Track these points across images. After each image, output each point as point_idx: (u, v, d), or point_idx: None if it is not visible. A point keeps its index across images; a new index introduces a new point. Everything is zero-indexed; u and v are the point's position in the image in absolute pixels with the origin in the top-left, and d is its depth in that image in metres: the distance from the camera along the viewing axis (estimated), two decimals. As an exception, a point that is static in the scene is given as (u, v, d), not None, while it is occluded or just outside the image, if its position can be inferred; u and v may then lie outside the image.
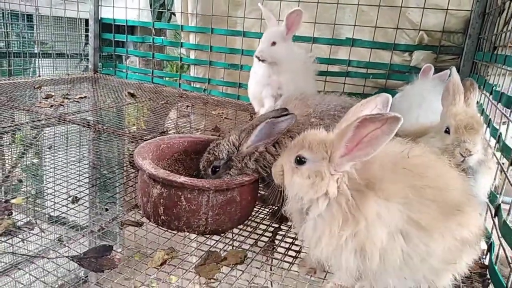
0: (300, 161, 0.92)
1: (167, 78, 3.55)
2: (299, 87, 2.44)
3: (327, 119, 1.31)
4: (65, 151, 2.03)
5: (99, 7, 3.52)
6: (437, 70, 2.27)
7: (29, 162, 2.01)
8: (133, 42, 4.16)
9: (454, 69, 1.32)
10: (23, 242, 1.12)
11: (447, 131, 1.22)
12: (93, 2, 3.46)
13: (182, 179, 1.16)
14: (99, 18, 3.53)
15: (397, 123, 0.78)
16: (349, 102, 1.41)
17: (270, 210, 1.43)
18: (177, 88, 3.42)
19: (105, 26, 3.56)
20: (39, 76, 3.28)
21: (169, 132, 2.22)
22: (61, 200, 1.40)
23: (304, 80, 2.51)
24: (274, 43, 2.28)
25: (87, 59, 3.66)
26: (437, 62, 2.58)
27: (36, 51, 3.60)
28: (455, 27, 2.53)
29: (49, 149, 1.94)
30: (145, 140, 2.04)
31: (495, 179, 1.26)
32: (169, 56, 3.88)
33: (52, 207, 1.37)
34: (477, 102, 1.99)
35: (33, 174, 1.84)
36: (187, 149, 1.50)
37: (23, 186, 1.69)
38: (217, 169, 1.29)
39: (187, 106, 2.87)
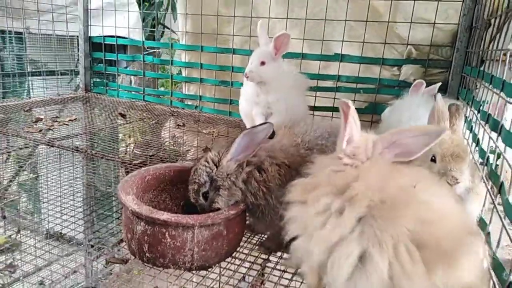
0: None
1: (161, 96, 3.54)
2: (289, 104, 2.44)
3: (315, 149, 1.29)
4: (58, 177, 2.02)
5: (89, 26, 3.51)
6: (427, 84, 2.27)
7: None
8: (124, 51, 4.16)
9: (439, 95, 1.31)
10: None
11: (433, 160, 1.21)
12: (82, 22, 3.46)
13: (165, 216, 1.14)
14: (89, 37, 3.53)
15: None
16: (335, 127, 1.40)
17: (258, 240, 1.41)
18: (168, 105, 3.41)
19: (96, 44, 3.56)
20: (30, 98, 3.26)
21: (159, 155, 2.21)
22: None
23: (294, 98, 2.50)
24: (263, 63, 2.28)
25: (78, 78, 3.65)
26: (426, 76, 2.58)
27: (27, 70, 3.59)
28: (443, 41, 2.54)
29: (36, 178, 1.92)
30: (134, 165, 2.04)
31: (484, 204, 1.25)
32: (160, 74, 3.88)
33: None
34: (465, 118, 1.99)
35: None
36: (173, 179, 1.48)
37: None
38: (207, 195, 1.27)
39: (178, 125, 2.86)
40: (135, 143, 3.13)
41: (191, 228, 1.15)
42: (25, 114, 2.86)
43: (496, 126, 1.29)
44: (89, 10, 3.47)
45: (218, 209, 1.25)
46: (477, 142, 1.59)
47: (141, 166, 2.02)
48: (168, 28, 7.73)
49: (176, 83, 3.53)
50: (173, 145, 3.30)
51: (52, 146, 2.22)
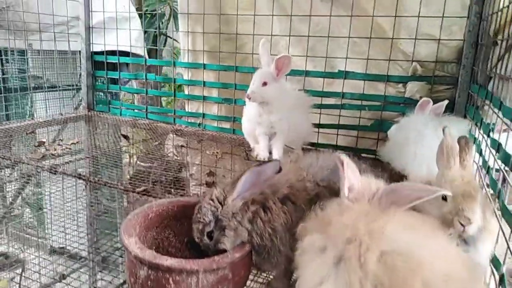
0: None
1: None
2: (292, 123, 2.41)
3: (321, 184, 1.26)
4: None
5: (90, 45, 3.50)
6: (433, 100, 2.23)
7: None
8: (127, 67, 4.16)
9: (447, 129, 1.27)
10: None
11: (444, 198, 1.17)
12: (84, 40, 3.46)
13: (169, 261, 1.11)
14: (91, 56, 3.52)
15: None
16: None
17: (265, 279, 1.38)
18: (171, 123, 3.39)
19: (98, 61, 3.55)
20: (32, 118, 3.25)
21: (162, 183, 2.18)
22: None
23: (298, 116, 2.48)
24: (265, 83, 2.26)
25: (80, 97, 3.65)
26: (432, 93, 2.54)
27: (31, 85, 3.59)
28: (448, 57, 2.50)
29: (40, 209, 1.90)
30: (137, 193, 2.01)
31: (497, 242, 1.21)
32: (163, 93, 3.86)
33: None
34: (475, 140, 1.95)
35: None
36: (177, 214, 1.45)
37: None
38: (212, 234, 1.24)
39: (182, 146, 2.83)
40: (138, 155, 3.11)
41: (195, 273, 1.11)
42: (28, 137, 2.84)
43: (507, 160, 1.25)
44: (91, 29, 3.47)
45: (223, 249, 1.22)
46: (487, 169, 1.55)
47: (144, 194, 2.00)
48: (170, 37, 7.75)
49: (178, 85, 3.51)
50: (176, 155, 3.29)
51: (55, 173, 2.20)
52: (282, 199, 1.25)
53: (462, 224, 1.11)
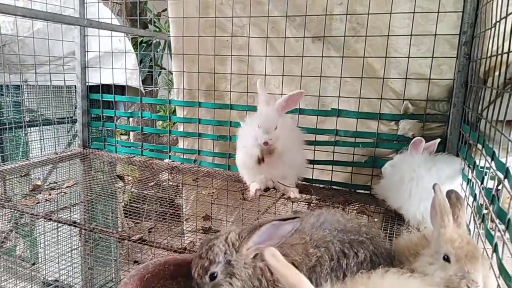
0: None
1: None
2: (290, 156, 2.44)
3: (322, 247, 1.27)
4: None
5: (86, 83, 3.53)
6: (426, 138, 2.26)
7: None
8: (123, 102, 4.19)
9: (437, 186, 1.28)
10: None
11: (446, 259, 1.17)
12: (80, 80, 3.49)
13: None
14: (87, 94, 3.55)
15: None
16: (343, 223, 1.38)
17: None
18: (166, 159, 3.40)
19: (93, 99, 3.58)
20: (27, 159, 3.24)
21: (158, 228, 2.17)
22: None
23: (294, 152, 2.51)
24: (276, 127, 2.31)
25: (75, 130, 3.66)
26: (425, 130, 2.58)
27: (26, 120, 3.60)
28: (439, 96, 2.55)
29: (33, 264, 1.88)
30: (133, 241, 2.00)
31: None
32: (159, 130, 3.89)
33: None
34: (469, 181, 1.97)
35: None
36: (173, 274, 1.43)
37: None
38: (215, 275, 1.21)
39: (177, 186, 2.83)
40: (133, 182, 3.10)
41: None
42: (22, 179, 2.83)
43: (502, 216, 1.26)
44: (86, 68, 3.50)
45: None
46: (482, 218, 1.56)
47: (140, 242, 1.98)
48: (165, 69, 7.85)
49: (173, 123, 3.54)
50: (171, 180, 3.27)
51: (50, 220, 2.19)
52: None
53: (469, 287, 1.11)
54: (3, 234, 3.53)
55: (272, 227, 1.19)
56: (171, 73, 3.55)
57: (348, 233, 1.34)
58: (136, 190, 2.85)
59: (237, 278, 1.19)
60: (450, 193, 1.31)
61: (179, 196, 2.95)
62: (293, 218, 1.19)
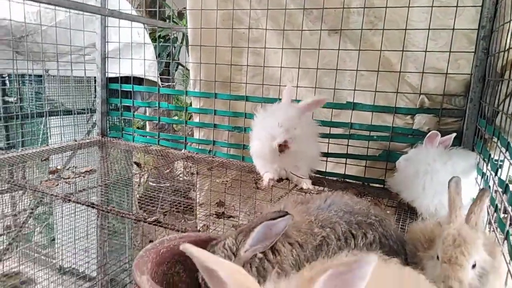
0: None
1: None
2: (304, 148, 2.46)
3: (328, 227, 1.28)
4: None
5: (106, 73, 3.61)
6: (442, 133, 2.25)
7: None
8: (140, 93, 4.27)
9: (454, 180, 1.26)
10: None
11: (438, 257, 1.17)
12: (100, 69, 3.57)
13: (179, 301, 1.13)
14: (106, 84, 3.63)
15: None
16: (351, 205, 1.40)
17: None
18: (182, 149, 3.45)
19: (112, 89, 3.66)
20: (47, 145, 3.34)
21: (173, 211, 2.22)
22: None
23: (308, 144, 2.53)
24: (296, 128, 2.35)
25: (95, 117, 3.75)
26: (440, 125, 2.56)
27: (46, 110, 3.71)
28: (456, 90, 2.53)
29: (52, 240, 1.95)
30: (149, 223, 2.05)
31: (506, 284, 1.21)
32: (175, 120, 3.95)
33: None
34: (483, 175, 1.96)
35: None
36: (188, 250, 1.48)
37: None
38: None
39: (192, 174, 2.88)
40: (149, 174, 3.16)
41: (205, 313, 1.14)
42: (42, 164, 2.92)
43: (515, 203, 1.26)
44: (106, 59, 3.58)
45: None
46: (495, 208, 1.56)
47: (155, 224, 2.03)
48: (182, 65, 7.94)
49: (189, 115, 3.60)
50: (186, 174, 3.32)
51: (69, 202, 2.26)
52: (290, 242, 1.27)
53: None
54: (23, 219, 3.64)
55: (264, 228, 1.23)
56: (188, 69, 3.61)
57: (355, 214, 1.35)
58: (152, 183, 2.91)
59: None
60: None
61: (193, 190, 3.00)
62: (284, 216, 1.22)
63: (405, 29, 2.54)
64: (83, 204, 2.22)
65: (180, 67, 8.28)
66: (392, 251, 1.31)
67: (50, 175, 2.63)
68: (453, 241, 1.13)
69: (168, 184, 2.77)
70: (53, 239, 3.93)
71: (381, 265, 1.00)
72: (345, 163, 2.85)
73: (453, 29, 2.42)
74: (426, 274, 1.12)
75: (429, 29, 2.47)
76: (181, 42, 7.49)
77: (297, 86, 2.91)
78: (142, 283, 1.19)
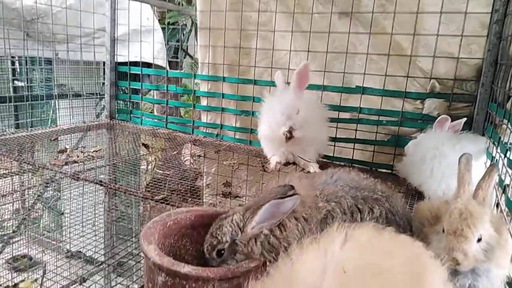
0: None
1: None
2: (312, 132, 2.45)
3: (333, 202, 1.28)
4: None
5: (115, 56, 3.62)
6: (451, 118, 2.23)
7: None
8: (149, 77, 4.28)
9: (465, 156, 1.24)
10: None
11: (443, 230, 1.16)
12: (109, 52, 3.58)
13: (186, 268, 1.14)
14: (115, 67, 3.64)
15: None
16: (357, 181, 1.39)
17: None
18: (190, 133, 3.46)
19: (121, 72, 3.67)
20: (56, 126, 3.37)
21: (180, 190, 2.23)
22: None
23: (316, 128, 2.51)
24: (298, 111, 2.33)
25: (104, 101, 3.76)
26: (450, 110, 2.54)
27: (55, 93, 3.74)
28: (467, 75, 2.50)
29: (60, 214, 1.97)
30: (156, 201, 2.07)
31: (512, 261, 1.20)
32: (183, 103, 3.96)
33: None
34: (492, 158, 1.94)
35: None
36: (194, 224, 1.49)
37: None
38: (222, 252, 1.27)
39: (199, 155, 2.89)
40: (156, 162, 3.18)
41: (211, 281, 1.15)
42: (51, 144, 2.95)
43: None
44: (116, 41, 3.59)
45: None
46: (504, 189, 1.55)
47: (162, 202, 2.05)
48: (190, 56, 7.92)
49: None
50: (192, 163, 3.34)
51: (78, 179, 2.28)
52: (296, 216, 1.27)
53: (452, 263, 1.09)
54: (30, 203, 3.69)
55: (272, 206, 1.23)
56: (195, 60, 3.59)
57: (362, 190, 1.34)
58: (158, 172, 2.92)
59: (239, 253, 1.25)
60: (490, 166, 1.26)
61: (200, 178, 3.01)
62: (292, 195, 1.22)
63: (417, 13, 2.51)
64: (91, 182, 2.24)
65: (187, 57, 8.26)
66: (398, 227, 1.31)
67: (59, 154, 2.66)
68: (460, 214, 1.12)
69: (174, 172, 2.78)
70: (61, 223, 3.98)
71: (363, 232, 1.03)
72: (353, 148, 2.84)
73: (466, 12, 2.38)
74: (431, 248, 1.12)
75: (441, 12, 2.44)
76: (190, 30, 7.47)
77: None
78: (149, 252, 1.21)
